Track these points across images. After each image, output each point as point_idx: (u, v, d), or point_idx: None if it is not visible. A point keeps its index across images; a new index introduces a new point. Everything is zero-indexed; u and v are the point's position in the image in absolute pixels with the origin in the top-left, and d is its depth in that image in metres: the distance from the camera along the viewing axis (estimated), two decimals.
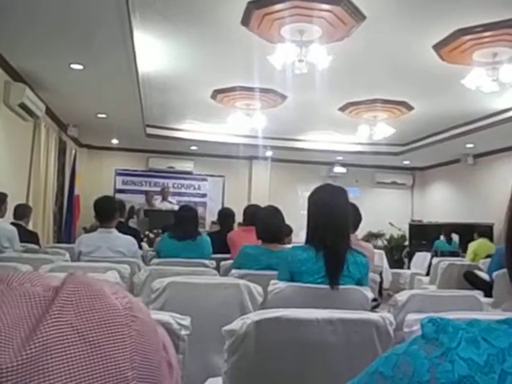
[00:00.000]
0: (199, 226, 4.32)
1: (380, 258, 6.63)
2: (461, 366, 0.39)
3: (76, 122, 8.33)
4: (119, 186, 11.00)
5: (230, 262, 3.59)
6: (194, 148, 10.49)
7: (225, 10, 4.31)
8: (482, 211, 9.12)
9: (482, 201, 9.38)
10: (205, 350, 2.31)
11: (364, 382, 0.46)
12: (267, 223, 3.28)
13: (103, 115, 7.76)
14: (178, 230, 4.09)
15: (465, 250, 7.54)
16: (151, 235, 7.57)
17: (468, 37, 4.60)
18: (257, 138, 8.98)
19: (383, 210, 11.38)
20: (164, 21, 4.51)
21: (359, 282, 2.36)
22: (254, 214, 3.93)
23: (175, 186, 11.23)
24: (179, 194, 11.13)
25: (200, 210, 9.55)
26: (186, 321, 1.49)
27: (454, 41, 4.71)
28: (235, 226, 5.42)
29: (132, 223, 7.93)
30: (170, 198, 10.25)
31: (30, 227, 5.88)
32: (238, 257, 3.31)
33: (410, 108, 7.18)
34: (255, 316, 1.56)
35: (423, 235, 10.33)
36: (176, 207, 8.26)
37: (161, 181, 11.08)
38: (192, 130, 9.36)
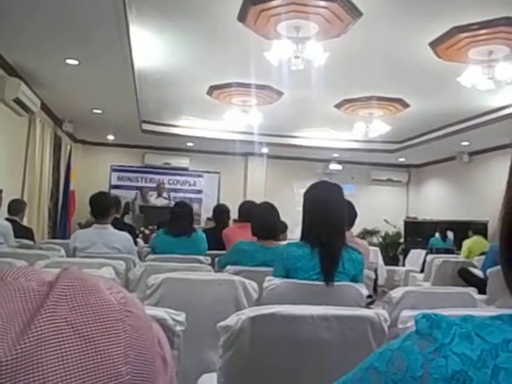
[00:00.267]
0: (194, 222, 4.31)
1: (375, 255, 6.65)
2: (454, 361, 0.39)
3: (71, 117, 8.30)
4: (114, 181, 10.98)
5: None
6: (189, 144, 10.47)
7: (221, 6, 4.30)
8: (476, 209, 9.16)
9: (476, 198, 9.42)
10: (200, 345, 2.31)
11: (358, 377, 0.46)
12: (262, 220, 3.28)
13: (99, 111, 7.73)
14: (173, 226, 4.08)
15: (459, 247, 7.57)
16: (146, 231, 7.55)
17: (464, 34, 4.61)
18: (253, 134, 8.98)
19: (378, 207, 11.41)
20: (160, 16, 4.49)
21: (354, 279, 2.36)
22: (249, 211, 3.93)
23: (171, 182, 11.23)
24: (175, 190, 11.12)
25: (195, 206, 9.55)
26: (181, 317, 1.49)
27: (450, 38, 4.71)
28: (230, 222, 5.42)
29: (127, 219, 7.92)
30: (165, 194, 10.23)
31: (25, 223, 5.85)
32: (233, 253, 3.30)
33: (405, 105, 7.19)
34: (250, 312, 1.56)
35: (418, 232, 10.36)
36: (171, 203, 8.25)
37: (156, 177, 11.07)
38: (188, 126, 9.34)
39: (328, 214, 2.33)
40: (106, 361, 0.37)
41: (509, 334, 0.40)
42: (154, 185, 10.62)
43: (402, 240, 11.18)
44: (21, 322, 0.35)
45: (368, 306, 2.64)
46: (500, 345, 0.40)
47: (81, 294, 0.39)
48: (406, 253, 9.66)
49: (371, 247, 5.23)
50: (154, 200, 9.95)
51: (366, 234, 11.07)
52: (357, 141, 9.70)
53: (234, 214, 5.21)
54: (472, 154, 9.78)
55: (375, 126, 7.57)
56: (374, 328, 1.61)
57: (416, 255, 8.43)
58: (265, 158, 11.27)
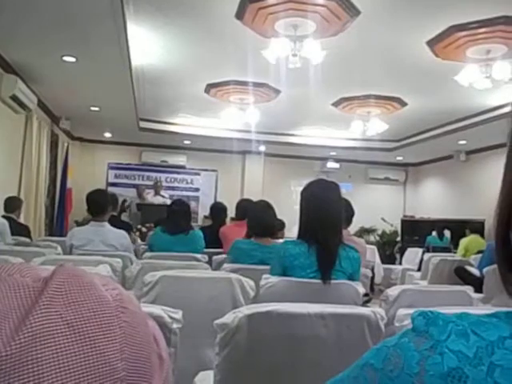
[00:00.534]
0: (192, 220, 4.32)
1: (372, 254, 6.67)
2: (450, 358, 0.39)
3: (68, 114, 8.28)
4: (112, 179, 10.97)
5: (223, 256, 3.59)
6: (187, 142, 10.46)
7: (219, 4, 4.29)
8: (473, 207, 9.18)
9: (473, 197, 9.44)
10: (196, 343, 2.31)
11: (354, 374, 0.46)
12: (259, 218, 3.28)
13: (96, 108, 7.71)
14: (170, 224, 4.08)
15: (456, 245, 7.59)
16: (143, 229, 7.55)
17: (462, 33, 4.61)
18: (250, 132, 8.97)
19: (376, 206, 11.42)
20: (158, 13, 4.48)
21: (351, 277, 2.36)
22: (246, 209, 3.93)
23: (168, 180, 11.21)
24: (172, 188, 11.11)
25: (192, 204, 9.54)
26: (178, 314, 1.49)
27: (448, 37, 4.72)
28: (228, 220, 5.42)
29: (124, 217, 7.91)
30: (162, 192, 10.23)
31: (22, 220, 5.85)
32: (231, 252, 3.31)
33: (403, 104, 7.20)
34: (247, 310, 1.56)
35: (415, 231, 10.37)
36: (168, 201, 8.24)
37: (154, 175, 11.06)
38: (185, 124, 9.33)
39: (325, 212, 2.33)
40: (101, 357, 0.36)
41: (505, 332, 0.40)
42: (151, 183, 10.62)
43: (399, 238, 11.19)
44: (16, 318, 0.35)
45: (365, 304, 2.65)
46: (496, 342, 0.40)
47: (76, 291, 0.38)
48: (402, 251, 9.67)
49: (368, 245, 5.23)
50: (151, 198, 9.95)
51: (363, 232, 11.08)
52: (354, 139, 9.69)
53: (231, 212, 5.21)
54: (469, 152, 9.80)
55: (373, 125, 7.58)
56: (370, 326, 1.62)
57: (413, 254, 8.44)
58: (262, 156, 11.27)
